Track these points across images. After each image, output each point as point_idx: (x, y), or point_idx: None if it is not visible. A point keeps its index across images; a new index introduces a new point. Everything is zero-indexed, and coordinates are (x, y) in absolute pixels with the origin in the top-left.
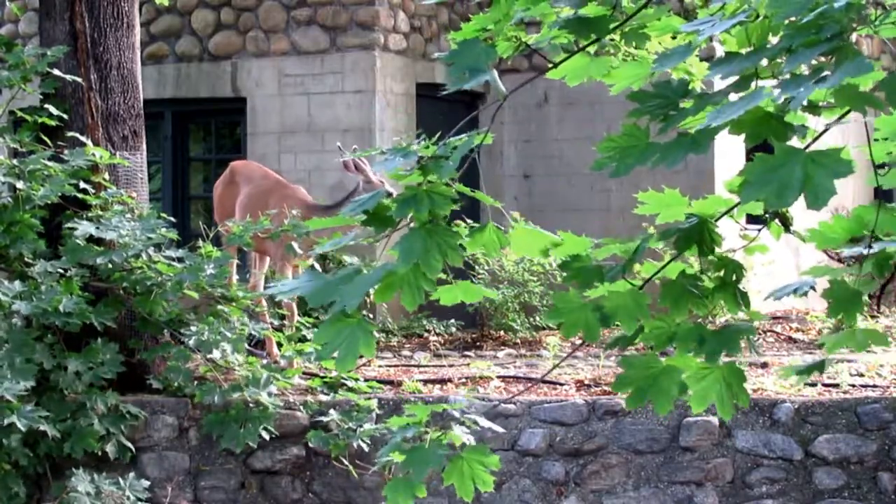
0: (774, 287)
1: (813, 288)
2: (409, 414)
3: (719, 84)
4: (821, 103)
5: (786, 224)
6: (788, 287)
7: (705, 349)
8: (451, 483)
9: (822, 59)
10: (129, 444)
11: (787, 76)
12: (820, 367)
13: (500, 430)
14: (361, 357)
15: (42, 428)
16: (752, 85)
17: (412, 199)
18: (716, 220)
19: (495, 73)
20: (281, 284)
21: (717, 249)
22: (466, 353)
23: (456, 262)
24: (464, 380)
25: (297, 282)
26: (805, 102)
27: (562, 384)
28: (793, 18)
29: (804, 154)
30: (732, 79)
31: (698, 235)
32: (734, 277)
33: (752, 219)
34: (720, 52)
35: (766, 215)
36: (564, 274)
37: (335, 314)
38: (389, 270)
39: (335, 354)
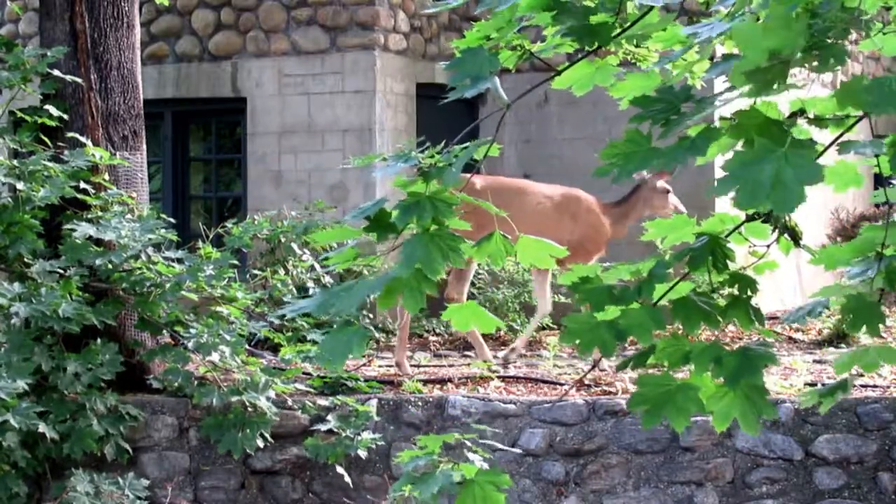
0: (775, 287)
1: (827, 307)
2: (422, 446)
3: (720, 86)
4: (827, 115)
5: (795, 238)
6: (803, 310)
7: (724, 372)
8: None
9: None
10: (127, 446)
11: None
12: (843, 387)
13: (517, 451)
14: (365, 355)
15: (41, 429)
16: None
17: (415, 206)
18: (726, 237)
19: (497, 80)
20: (293, 305)
21: (729, 265)
22: (466, 353)
23: (458, 265)
24: (464, 380)
25: (306, 301)
26: (811, 115)
27: (562, 384)
28: None
29: (780, 152)
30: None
31: (710, 253)
32: (747, 293)
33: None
34: (722, 52)
35: (776, 230)
36: (576, 296)
37: (340, 324)
38: (392, 277)
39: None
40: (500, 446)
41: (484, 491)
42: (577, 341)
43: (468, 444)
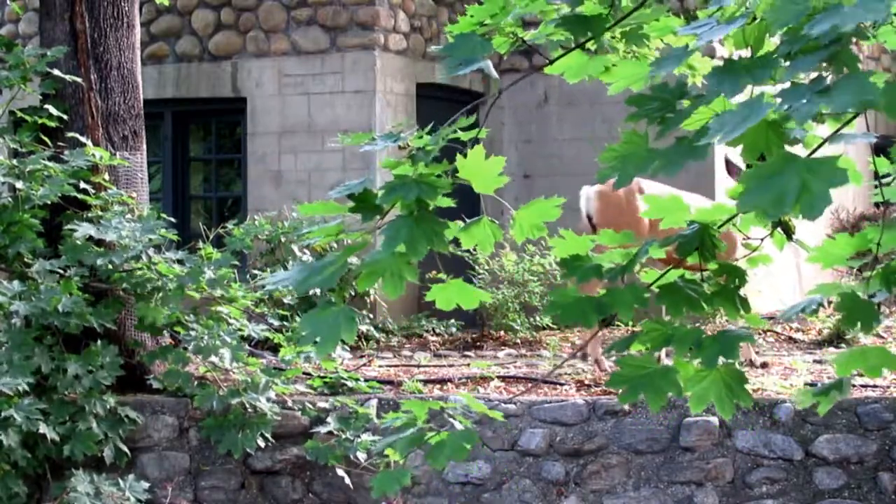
0: (774, 287)
1: (822, 305)
2: (406, 410)
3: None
4: (823, 111)
5: (788, 233)
6: (797, 307)
7: (703, 354)
8: (429, 461)
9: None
10: (126, 449)
11: (787, 84)
12: (838, 387)
13: (499, 417)
14: (365, 355)
15: (41, 430)
16: (749, 89)
17: (400, 187)
18: (718, 228)
19: (489, 62)
20: (271, 276)
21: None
22: (467, 353)
23: (442, 250)
24: (464, 380)
25: (286, 273)
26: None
27: (562, 384)
28: (791, 25)
29: (801, 162)
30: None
31: (699, 242)
32: (735, 284)
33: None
34: (721, 51)
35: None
36: (563, 271)
37: (322, 303)
38: (372, 257)
39: (317, 340)
40: (485, 409)
41: (452, 448)
42: (559, 313)
43: (450, 412)
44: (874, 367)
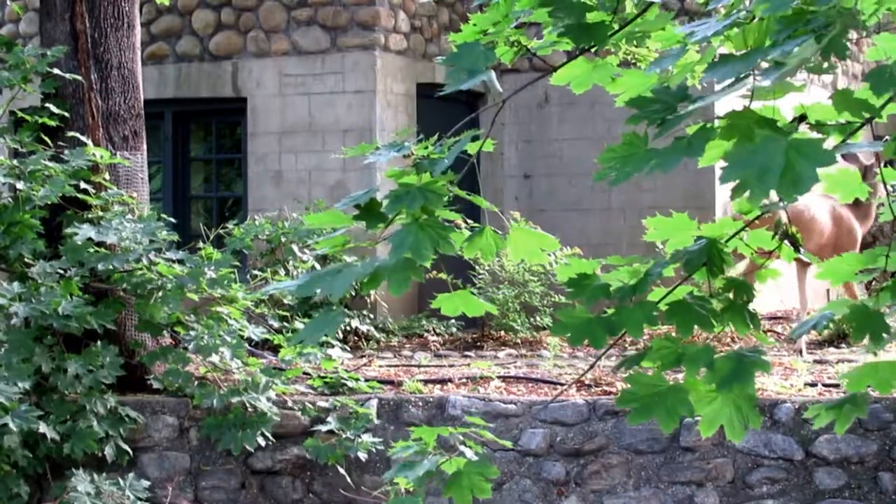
0: (776, 287)
1: (832, 320)
2: (416, 438)
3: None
4: (829, 122)
5: (795, 245)
6: (808, 323)
7: (716, 377)
8: (451, 496)
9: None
10: (127, 448)
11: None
12: (853, 401)
13: (508, 444)
14: (365, 355)
15: (41, 430)
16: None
17: (405, 195)
18: (725, 242)
19: (492, 73)
20: (277, 283)
21: (727, 271)
22: (467, 353)
23: (448, 252)
24: (464, 380)
25: (291, 281)
26: (813, 121)
27: (562, 384)
28: (783, 13)
29: (786, 141)
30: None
31: (707, 257)
32: (744, 299)
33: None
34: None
35: (775, 237)
36: (570, 290)
37: (325, 310)
38: (379, 265)
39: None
40: (493, 437)
41: (472, 481)
42: (569, 334)
43: (460, 437)
44: (885, 381)
